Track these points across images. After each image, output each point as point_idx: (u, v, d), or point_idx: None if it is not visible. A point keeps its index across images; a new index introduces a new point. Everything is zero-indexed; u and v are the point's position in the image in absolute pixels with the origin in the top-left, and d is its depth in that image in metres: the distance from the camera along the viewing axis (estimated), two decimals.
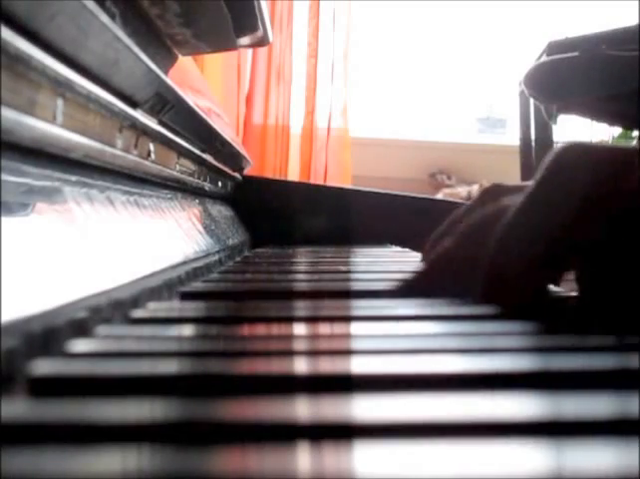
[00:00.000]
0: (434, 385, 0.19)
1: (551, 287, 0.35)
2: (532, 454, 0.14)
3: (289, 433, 0.16)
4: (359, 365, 0.21)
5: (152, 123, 0.47)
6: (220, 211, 0.80)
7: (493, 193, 0.41)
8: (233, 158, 0.87)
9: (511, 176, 1.83)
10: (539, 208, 0.33)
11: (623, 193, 0.31)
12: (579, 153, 0.33)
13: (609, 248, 0.32)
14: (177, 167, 0.58)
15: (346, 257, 0.70)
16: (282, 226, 0.93)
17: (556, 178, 0.33)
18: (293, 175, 2.12)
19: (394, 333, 0.27)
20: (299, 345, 0.25)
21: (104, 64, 0.36)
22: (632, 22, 1.47)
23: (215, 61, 1.80)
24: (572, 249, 0.32)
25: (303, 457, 0.14)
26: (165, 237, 0.48)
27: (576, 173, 0.32)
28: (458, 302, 0.33)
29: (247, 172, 1.00)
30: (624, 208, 0.31)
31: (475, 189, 2.15)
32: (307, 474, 0.14)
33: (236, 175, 0.92)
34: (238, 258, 0.70)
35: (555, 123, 1.66)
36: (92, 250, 0.32)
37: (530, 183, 0.34)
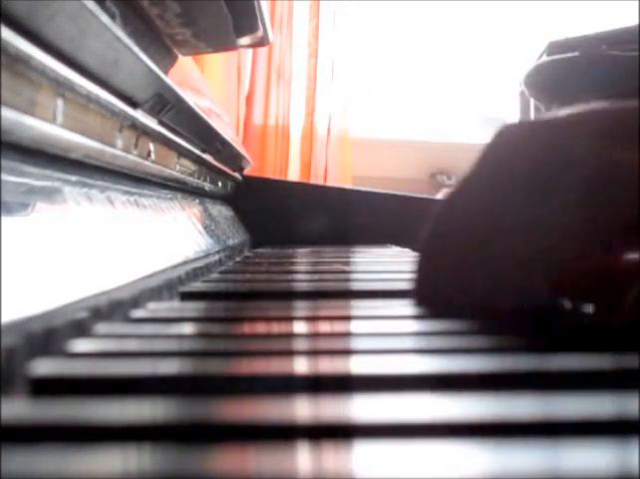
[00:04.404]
0: (434, 385, 0.19)
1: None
2: (532, 454, 0.14)
3: (289, 433, 0.16)
4: (359, 365, 0.21)
5: (152, 123, 0.47)
6: (220, 211, 0.80)
7: None
8: (233, 158, 0.86)
9: None
10: (468, 199, 0.30)
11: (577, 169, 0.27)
12: (521, 130, 0.29)
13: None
14: (177, 167, 0.58)
15: (346, 257, 0.70)
16: (282, 226, 0.93)
17: (491, 161, 0.29)
18: (293, 175, 2.12)
19: (394, 333, 0.27)
20: (299, 345, 0.25)
21: (104, 64, 0.36)
22: (632, 22, 1.47)
23: (215, 61, 1.80)
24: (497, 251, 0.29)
25: (303, 457, 0.14)
26: (165, 237, 0.48)
27: (515, 154, 0.28)
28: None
29: (247, 172, 1.00)
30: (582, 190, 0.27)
31: None
32: (307, 474, 0.14)
33: (236, 175, 0.92)
34: (238, 258, 0.70)
35: None
36: (92, 251, 0.32)
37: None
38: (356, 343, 0.25)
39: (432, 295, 0.31)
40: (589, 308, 0.28)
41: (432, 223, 0.31)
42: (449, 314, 0.28)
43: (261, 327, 0.30)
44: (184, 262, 0.47)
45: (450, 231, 0.31)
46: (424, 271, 0.32)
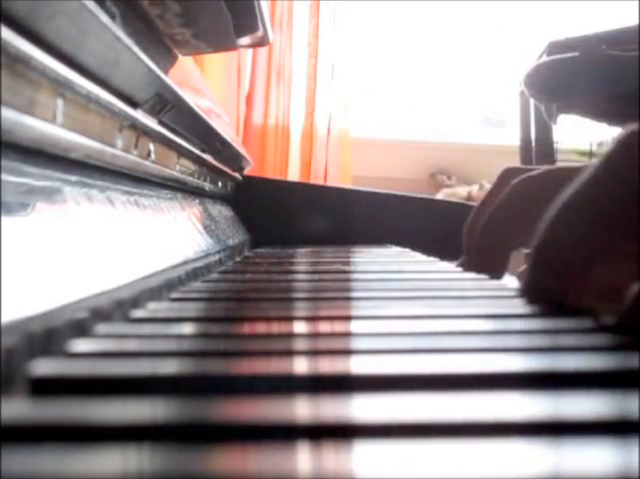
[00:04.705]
0: (434, 385, 0.19)
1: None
2: (532, 454, 0.14)
3: (289, 433, 0.16)
4: (359, 365, 0.21)
5: (152, 123, 0.47)
6: (220, 211, 0.80)
7: (512, 176, 0.40)
8: (233, 158, 0.87)
9: None
10: (600, 192, 0.30)
11: None
12: None
13: None
14: (177, 167, 0.58)
15: (346, 258, 0.70)
16: (282, 226, 0.93)
17: (624, 159, 0.30)
18: (293, 175, 2.12)
19: (393, 332, 0.27)
20: (299, 345, 0.25)
21: (104, 64, 0.36)
22: (632, 22, 1.47)
23: (215, 61, 1.80)
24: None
25: (303, 457, 0.14)
26: (165, 237, 0.48)
27: None
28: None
29: (247, 172, 1.00)
30: None
31: (475, 189, 2.15)
32: (307, 474, 0.13)
33: (236, 175, 0.92)
34: (238, 258, 0.70)
35: (555, 123, 1.66)
36: (92, 251, 0.32)
37: (548, 167, 0.32)
38: (355, 343, 0.25)
39: (544, 299, 0.32)
40: None
41: (546, 226, 0.32)
42: (558, 314, 0.28)
43: (261, 327, 0.30)
44: (184, 262, 0.47)
45: (568, 237, 0.31)
46: (536, 275, 0.33)
